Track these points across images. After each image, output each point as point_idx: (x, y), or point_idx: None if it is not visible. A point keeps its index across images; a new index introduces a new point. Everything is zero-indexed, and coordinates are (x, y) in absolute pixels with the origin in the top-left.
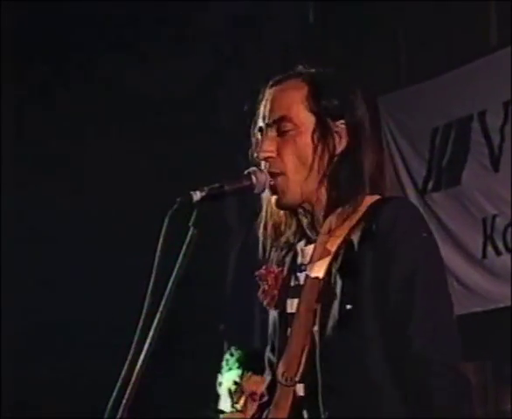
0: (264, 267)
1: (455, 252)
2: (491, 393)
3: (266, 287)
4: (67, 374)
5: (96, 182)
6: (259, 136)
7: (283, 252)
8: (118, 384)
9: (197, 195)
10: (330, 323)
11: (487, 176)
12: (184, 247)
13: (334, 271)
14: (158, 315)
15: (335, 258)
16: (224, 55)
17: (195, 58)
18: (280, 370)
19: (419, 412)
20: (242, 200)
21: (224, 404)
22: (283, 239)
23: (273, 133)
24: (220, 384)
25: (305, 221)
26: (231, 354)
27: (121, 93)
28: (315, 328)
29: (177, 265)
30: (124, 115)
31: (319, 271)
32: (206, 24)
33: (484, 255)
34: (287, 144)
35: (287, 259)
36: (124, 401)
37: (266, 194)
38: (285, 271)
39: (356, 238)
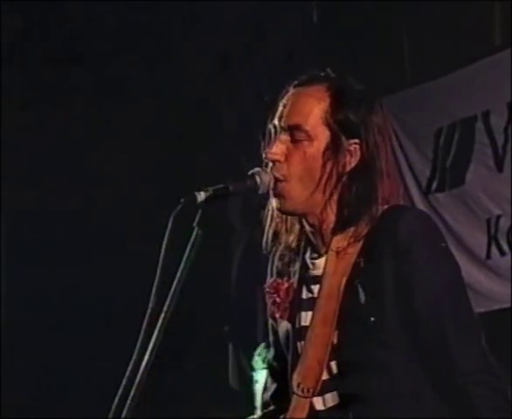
0: (272, 279)
1: (459, 253)
2: None
3: (278, 300)
4: (72, 374)
5: (99, 183)
6: (273, 134)
7: (285, 260)
8: (122, 384)
9: (201, 196)
10: (352, 336)
11: (491, 177)
12: (189, 247)
13: (355, 283)
14: (162, 315)
15: (354, 271)
16: (228, 56)
17: (198, 59)
18: (295, 382)
19: None
20: (246, 201)
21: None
22: (283, 244)
23: (286, 137)
24: (256, 381)
25: (311, 232)
26: (259, 354)
27: (122, 93)
28: (334, 341)
29: (182, 266)
30: (125, 115)
31: (337, 283)
32: (210, 24)
33: (488, 255)
34: (297, 152)
35: (294, 270)
36: (129, 401)
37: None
38: (295, 284)
39: (374, 251)
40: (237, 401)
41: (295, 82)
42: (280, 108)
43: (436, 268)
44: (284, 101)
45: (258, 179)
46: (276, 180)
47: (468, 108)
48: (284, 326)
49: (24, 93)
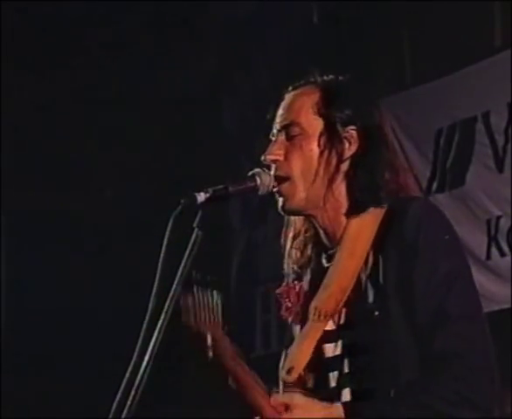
0: (284, 284)
1: None
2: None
3: (289, 305)
4: (72, 374)
5: (98, 184)
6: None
7: (301, 263)
8: (122, 386)
9: (201, 197)
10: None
11: (491, 177)
12: (188, 248)
13: (364, 278)
14: (162, 316)
15: (365, 265)
16: (229, 56)
17: (199, 60)
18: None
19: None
20: (246, 201)
21: None
22: (305, 256)
23: (281, 137)
24: None
25: (323, 231)
26: None
27: (122, 95)
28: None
29: (181, 267)
30: (125, 116)
31: (346, 277)
32: (210, 25)
33: (488, 256)
34: (294, 148)
35: (307, 272)
36: (128, 403)
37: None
38: (305, 286)
39: (381, 243)
40: (236, 401)
41: (289, 88)
42: (277, 114)
43: (436, 261)
44: (280, 107)
45: (258, 180)
46: (278, 180)
47: (468, 109)
48: (297, 330)
49: (23, 94)
